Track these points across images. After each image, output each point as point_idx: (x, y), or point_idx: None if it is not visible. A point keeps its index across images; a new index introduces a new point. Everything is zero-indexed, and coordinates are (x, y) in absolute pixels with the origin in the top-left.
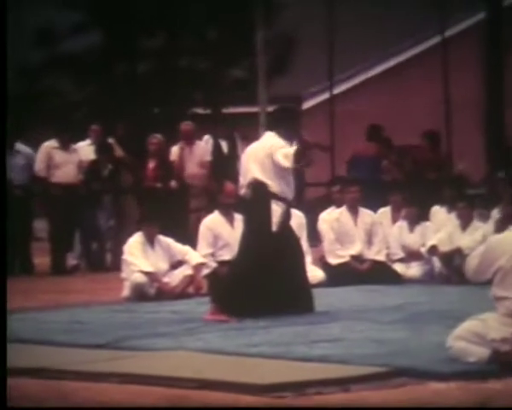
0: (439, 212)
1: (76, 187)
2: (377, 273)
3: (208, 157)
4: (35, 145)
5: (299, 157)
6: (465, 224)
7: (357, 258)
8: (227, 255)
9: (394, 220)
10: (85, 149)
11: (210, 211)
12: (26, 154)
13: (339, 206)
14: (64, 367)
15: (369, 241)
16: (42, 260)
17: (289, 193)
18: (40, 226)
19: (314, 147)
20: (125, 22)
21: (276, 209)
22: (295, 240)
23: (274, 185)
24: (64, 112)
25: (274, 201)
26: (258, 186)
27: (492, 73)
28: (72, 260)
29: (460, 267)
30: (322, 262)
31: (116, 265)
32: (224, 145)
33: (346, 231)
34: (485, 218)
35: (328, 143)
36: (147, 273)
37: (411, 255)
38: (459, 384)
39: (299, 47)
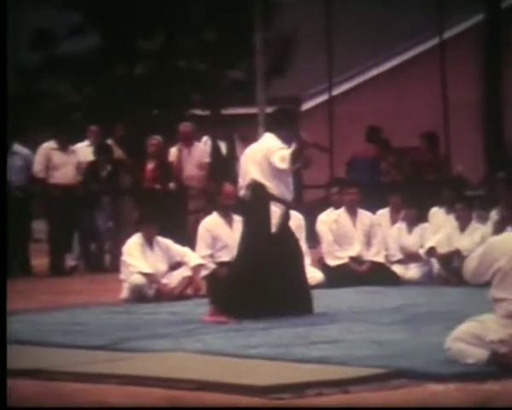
0: (437, 213)
1: (75, 188)
2: (376, 275)
3: (207, 158)
4: (32, 146)
5: (295, 158)
6: (464, 225)
7: (355, 259)
8: (226, 257)
9: (393, 222)
10: (84, 151)
11: (209, 212)
12: (23, 155)
13: (337, 207)
14: (62, 369)
15: (367, 242)
16: (40, 261)
17: (288, 194)
18: (39, 227)
19: (312, 146)
20: (124, 23)
21: (275, 211)
22: (294, 241)
23: (273, 187)
24: (63, 113)
25: (273, 202)
26: (257, 188)
27: (491, 75)
28: (70, 261)
29: (459, 269)
30: (320, 264)
31: (115, 266)
32: (223, 146)
33: (344, 233)
34: (483, 219)
35: (327, 145)
36: (146, 275)
37: (410, 257)
38: (458, 386)
39: (298, 48)
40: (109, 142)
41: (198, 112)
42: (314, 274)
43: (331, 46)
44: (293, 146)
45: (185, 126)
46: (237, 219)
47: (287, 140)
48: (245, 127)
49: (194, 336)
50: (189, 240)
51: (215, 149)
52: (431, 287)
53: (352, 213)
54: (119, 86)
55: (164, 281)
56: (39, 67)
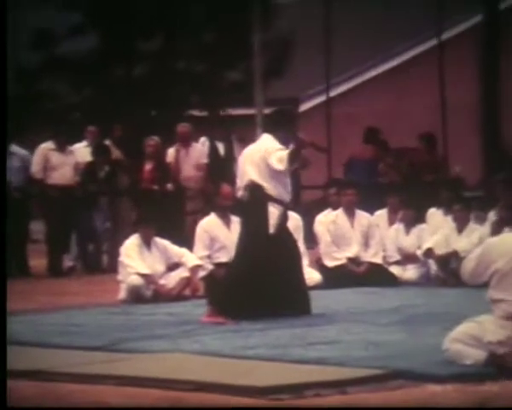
0: (435, 214)
1: (72, 189)
2: (374, 276)
3: (205, 159)
4: (30, 147)
5: (293, 159)
6: (461, 226)
7: (353, 260)
8: (223, 258)
9: (391, 223)
10: (82, 151)
11: (206, 213)
12: (21, 156)
13: (335, 208)
14: (60, 369)
15: (365, 243)
16: (38, 261)
17: (286, 195)
18: (37, 228)
19: (310, 146)
20: (123, 24)
21: (273, 211)
22: (292, 242)
23: (270, 188)
24: (61, 113)
25: (271, 203)
26: (254, 188)
27: (489, 76)
28: (68, 262)
29: (456, 270)
30: (318, 264)
31: (112, 267)
32: (221, 147)
33: (342, 234)
34: (481, 220)
35: (325, 146)
36: (143, 275)
37: (408, 258)
38: (456, 387)
39: (296, 49)
40: (107, 142)
41: (196, 113)
42: (312, 275)
43: (329, 47)
44: (291, 147)
45: (183, 127)
46: (235, 220)
47: (285, 141)
48: (243, 128)
49: (192, 336)
50: (186, 241)
51: (213, 150)
52: (429, 288)
53: (350, 214)
54: (117, 87)
55: (162, 282)
56: (38, 67)
